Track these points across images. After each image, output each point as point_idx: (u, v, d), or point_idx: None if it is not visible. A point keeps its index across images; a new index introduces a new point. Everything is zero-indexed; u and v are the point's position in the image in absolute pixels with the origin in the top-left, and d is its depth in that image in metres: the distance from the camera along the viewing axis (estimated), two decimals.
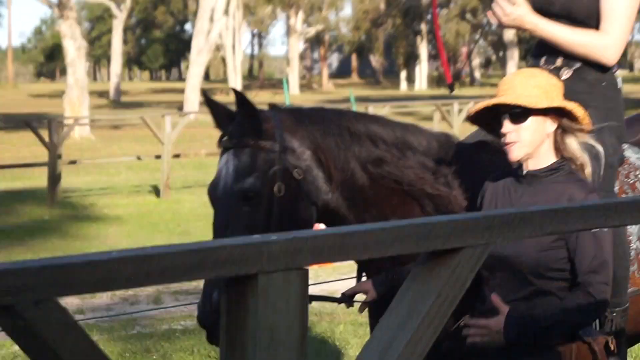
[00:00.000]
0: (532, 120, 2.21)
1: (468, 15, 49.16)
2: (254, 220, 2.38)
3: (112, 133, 25.03)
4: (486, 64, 70.61)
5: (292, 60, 47.88)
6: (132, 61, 72.54)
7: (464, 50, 53.85)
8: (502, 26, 2.76)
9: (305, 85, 54.16)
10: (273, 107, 2.61)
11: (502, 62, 48.98)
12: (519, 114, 2.20)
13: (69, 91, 24.36)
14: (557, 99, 2.24)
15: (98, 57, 73.13)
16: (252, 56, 76.41)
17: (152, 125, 13.47)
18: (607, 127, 2.58)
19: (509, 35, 43.41)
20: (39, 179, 13.43)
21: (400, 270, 2.38)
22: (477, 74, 60.19)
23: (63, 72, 51.57)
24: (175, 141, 13.55)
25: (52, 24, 52.91)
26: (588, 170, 2.29)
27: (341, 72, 73.02)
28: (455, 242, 1.16)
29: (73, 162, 14.53)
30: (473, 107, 2.33)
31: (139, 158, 15.63)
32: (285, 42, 40.77)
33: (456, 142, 2.76)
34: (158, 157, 13.63)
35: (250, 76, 69.41)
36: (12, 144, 21.24)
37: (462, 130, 11.21)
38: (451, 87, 2.94)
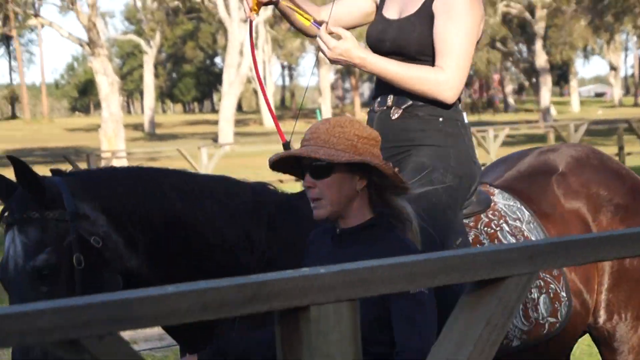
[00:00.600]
0: (336, 175, 1.95)
1: (498, 44, 49.55)
2: (75, 286, 2.14)
3: (149, 165, 25.48)
4: (519, 90, 70.63)
5: (324, 90, 48.72)
6: (165, 94, 74.31)
7: (495, 77, 53.82)
8: (331, 61, 2.54)
9: (338, 115, 55.13)
10: (57, 172, 2.33)
11: (535, 88, 49.06)
12: (321, 168, 1.96)
13: (104, 125, 25.03)
14: (363, 154, 1.97)
15: (131, 91, 75.31)
16: (283, 87, 77.73)
17: (189, 156, 13.72)
18: (442, 166, 2.42)
19: (541, 61, 43.53)
20: None
21: (227, 340, 2.15)
22: (511, 100, 60.20)
23: (97, 106, 53.12)
24: (211, 172, 13.67)
25: (84, 60, 54.77)
26: (414, 224, 2.04)
27: None
28: (500, 272, 1.18)
29: None
30: (272, 156, 2.09)
31: None
32: (316, 73, 41.24)
33: (278, 192, 2.54)
34: None
35: (282, 106, 70.54)
36: None
37: (499, 156, 11.19)
38: (285, 146, 2.58)
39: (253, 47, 3.00)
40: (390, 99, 2.52)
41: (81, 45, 26.92)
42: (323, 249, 2.05)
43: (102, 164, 13.45)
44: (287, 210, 2.38)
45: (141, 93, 54.89)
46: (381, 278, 1.07)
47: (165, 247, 2.26)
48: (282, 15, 2.78)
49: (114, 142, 23.97)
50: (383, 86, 2.54)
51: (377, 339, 1.92)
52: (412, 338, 1.88)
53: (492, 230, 2.58)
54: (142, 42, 39.86)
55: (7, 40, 66.74)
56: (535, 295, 2.53)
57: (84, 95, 77.07)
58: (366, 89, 79.61)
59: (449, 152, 2.48)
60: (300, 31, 2.79)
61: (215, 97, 77.14)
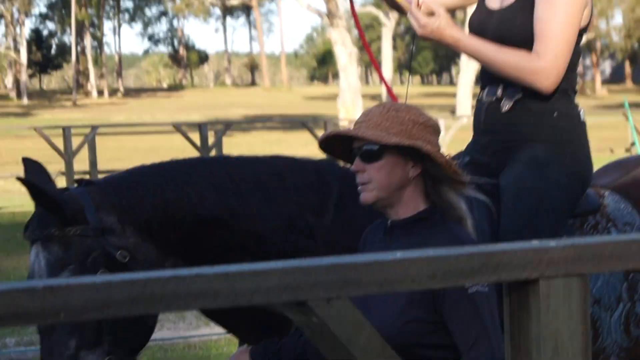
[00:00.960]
0: (386, 160, 1.86)
1: None
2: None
3: None
4: None
5: None
6: (403, 66, 75.80)
7: None
8: (423, 38, 2.41)
9: (579, 91, 53.09)
10: (82, 183, 2.25)
11: None
12: (371, 151, 1.87)
13: (342, 94, 26.21)
14: (418, 139, 1.85)
15: (369, 62, 78.03)
16: None
17: None
18: (557, 163, 2.30)
19: None
20: None
21: (284, 342, 2.06)
22: None
23: (335, 76, 55.84)
24: (448, 143, 13.88)
25: (323, 31, 57.62)
26: (468, 223, 1.90)
27: (614, 78, 71.69)
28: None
29: None
30: (322, 135, 2.03)
31: None
32: None
33: (347, 170, 2.29)
34: None
35: None
36: (290, 143, 23.32)
37: None
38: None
39: (358, 21, 3.02)
40: (500, 89, 2.39)
41: (320, 16, 28.33)
42: (376, 243, 1.95)
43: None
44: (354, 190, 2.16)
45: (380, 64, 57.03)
46: (612, 254, 1.02)
47: (205, 245, 2.18)
48: None
49: (351, 111, 25.00)
50: (492, 74, 2.41)
51: (433, 342, 1.82)
52: (480, 343, 1.75)
53: (597, 233, 2.46)
54: (380, 14, 40.64)
55: (247, 10, 72.61)
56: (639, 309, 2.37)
57: (322, 65, 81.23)
58: (607, 66, 75.62)
59: (565, 149, 2.37)
60: (394, 8, 2.66)
61: (453, 70, 77.01)
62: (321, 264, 0.93)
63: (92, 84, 54.58)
